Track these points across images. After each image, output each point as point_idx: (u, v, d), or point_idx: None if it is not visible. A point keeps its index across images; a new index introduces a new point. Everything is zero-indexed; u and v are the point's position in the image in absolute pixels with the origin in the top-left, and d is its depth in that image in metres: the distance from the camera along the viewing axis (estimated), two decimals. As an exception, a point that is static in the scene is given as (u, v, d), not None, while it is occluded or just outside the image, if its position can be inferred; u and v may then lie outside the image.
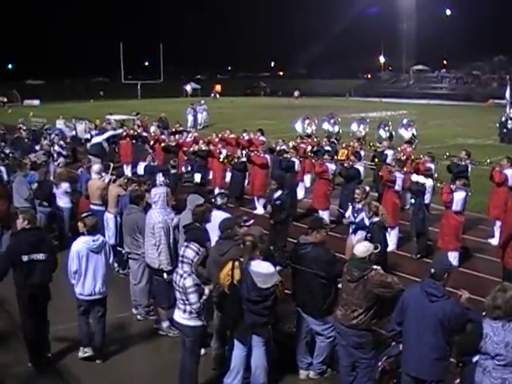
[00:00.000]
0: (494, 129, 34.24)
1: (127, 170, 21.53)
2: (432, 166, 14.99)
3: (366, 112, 46.64)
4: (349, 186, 14.44)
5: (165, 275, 9.00)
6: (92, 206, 12.72)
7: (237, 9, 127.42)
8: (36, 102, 66.77)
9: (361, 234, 10.55)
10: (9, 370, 8.50)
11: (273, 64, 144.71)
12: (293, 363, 8.34)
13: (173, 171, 16.01)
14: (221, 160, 18.28)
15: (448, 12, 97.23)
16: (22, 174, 14.21)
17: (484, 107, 58.83)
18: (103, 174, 13.58)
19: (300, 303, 8.19)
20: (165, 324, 9.49)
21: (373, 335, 7.42)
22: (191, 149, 19.33)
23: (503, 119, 33.18)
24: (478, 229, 15.08)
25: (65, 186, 13.88)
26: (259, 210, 16.53)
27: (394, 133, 21.62)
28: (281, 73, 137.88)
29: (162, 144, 20.74)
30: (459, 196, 12.20)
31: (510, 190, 13.98)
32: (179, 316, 7.46)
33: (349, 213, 11.50)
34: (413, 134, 21.21)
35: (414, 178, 13.51)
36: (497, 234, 13.68)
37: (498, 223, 13.67)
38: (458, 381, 6.38)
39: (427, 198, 13.48)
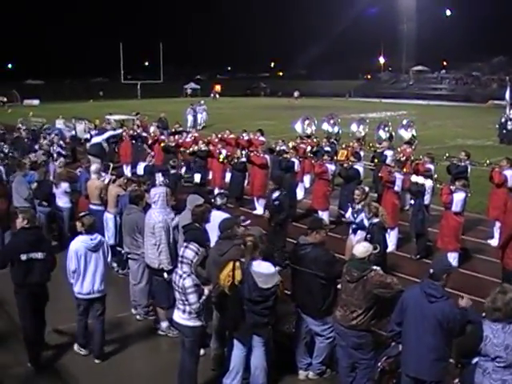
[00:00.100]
0: (493, 130, 34.23)
1: (127, 170, 21.53)
2: (431, 166, 14.98)
3: (366, 113, 46.64)
4: (348, 187, 14.44)
5: (165, 275, 8.99)
6: (91, 206, 12.72)
7: (237, 9, 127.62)
8: (36, 102, 66.83)
9: (360, 234, 10.54)
10: (8, 370, 8.50)
11: (273, 64, 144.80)
12: (292, 364, 8.33)
13: (172, 171, 16.00)
14: (220, 160, 18.28)
15: (448, 13, 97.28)
16: (21, 173, 14.21)
17: (484, 108, 58.84)
18: (103, 174, 13.59)
19: (299, 304, 8.19)
20: (164, 324, 9.49)
21: (372, 336, 7.43)
22: (191, 149, 19.34)
23: (503, 120, 33.17)
24: (477, 230, 15.07)
25: (64, 185, 13.88)
26: (259, 211, 16.51)
27: (393, 133, 21.62)
28: (281, 73, 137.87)
29: (162, 144, 20.75)
30: (459, 197, 12.20)
31: (509, 190, 13.97)
32: (178, 316, 7.46)
33: (349, 214, 11.49)
34: (412, 135, 21.21)
35: (414, 178, 13.52)
36: (496, 234, 13.68)
37: (498, 224, 13.67)
38: (456, 380, 6.37)
39: (427, 199, 13.49)
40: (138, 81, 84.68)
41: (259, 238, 7.39)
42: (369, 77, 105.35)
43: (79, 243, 8.56)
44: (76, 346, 8.97)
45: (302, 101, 70.44)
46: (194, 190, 14.18)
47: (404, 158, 16.16)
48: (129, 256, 10.18)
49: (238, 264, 7.21)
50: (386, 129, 21.70)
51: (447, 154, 16.12)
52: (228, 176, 18.84)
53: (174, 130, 25.24)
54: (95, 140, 21.43)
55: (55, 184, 14.05)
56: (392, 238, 13.30)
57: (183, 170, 17.07)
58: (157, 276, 9.39)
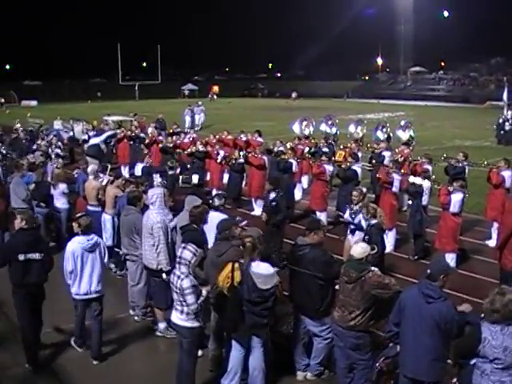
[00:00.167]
0: (491, 130, 34.26)
1: (125, 171, 21.57)
2: (429, 167, 14.98)
3: (364, 113, 46.66)
4: (346, 188, 14.45)
5: (163, 275, 8.99)
6: (89, 207, 12.72)
7: (235, 10, 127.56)
8: (34, 103, 66.82)
9: (359, 235, 10.55)
10: (6, 371, 8.50)
11: (270, 65, 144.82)
12: (290, 364, 8.33)
13: (170, 172, 16.00)
14: (218, 161, 18.28)
15: (445, 14, 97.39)
16: (19, 174, 14.20)
17: (481, 109, 58.88)
18: (101, 175, 13.58)
19: (297, 304, 8.20)
20: (162, 325, 9.48)
21: (370, 336, 7.43)
22: (189, 150, 19.33)
23: (500, 121, 33.21)
24: (475, 230, 15.07)
25: (62, 186, 13.87)
26: (257, 212, 16.51)
27: (391, 134, 21.64)
28: (278, 74, 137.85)
29: (160, 145, 20.76)
30: (457, 198, 12.20)
31: (507, 191, 13.99)
32: (176, 317, 7.46)
33: (347, 215, 11.50)
34: (410, 136, 21.23)
35: (412, 179, 13.53)
36: (494, 235, 13.69)
37: (496, 225, 13.70)
38: (454, 380, 6.37)
39: (425, 200, 13.48)
40: (136, 82, 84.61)
41: (258, 239, 7.40)
42: (367, 78, 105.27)
43: (76, 244, 8.60)
44: (73, 343, 9.08)
45: (300, 102, 70.49)
46: (191, 190, 14.22)
47: (402, 158, 16.16)
48: (127, 257, 10.17)
49: (236, 265, 7.21)
50: (384, 130, 21.70)
51: (445, 155, 16.10)
52: (226, 177, 18.85)
53: (171, 131, 25.24)
54: (93, 141, 21.43)
55: (53, 185, 14.04)
56: (390, 238, 13.31)
57: (178, 170, 17.02)
58: (155, 277, 9.39)
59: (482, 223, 15.23)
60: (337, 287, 7.69)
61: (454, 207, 12.20)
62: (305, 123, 22.83)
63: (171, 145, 20.58)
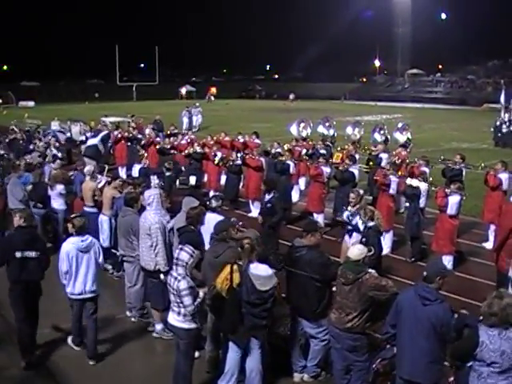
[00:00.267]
0: (488, 133, 34.29)
1: (122, 172, 21.57)
2: (427, 169, 14.99)
3: (361, 115, 46.76)
4: (343, 189, 14.47)
5: (161, 276, 8.98)
6: (85, 208, 12.72)
7: (233, 12, 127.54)
8: (31, 104, 66.75)
9: (356, 237, 10.55)
10: (3, 372, 8.50)
11: (268, 67, 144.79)
12: (287, 366, 8.34)
13: (167, 173, 15.99)
14: (216, 163, 18.28)
15: (443, 16, 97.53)
16: (16, 175, 14.19)
17: (479, 111, 58.97)
18: (99, 176, 13.57)
19: (294, 306, 8.20)
20: (159, 326, 9.48)
21: (367, 338, 7.43)
22: (186, 151, 19.34)
23: (498, 123, 33.29)
24: (472, 233, 15.09)
25: (59, 187, 13.86)
26: (254, 213, 16.51)
27: (389, 136, 21.64)
28: (276, 76, 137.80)
29: (157, 146, 20.76)
30: (454, 200, 12.21)
31: (504, 193, 14.01)
32: (173, 318, 7.45)
33: (344, 216, 11.49)
34: (408, 138, 21.20)
35: (409, 181, 13.53)
36: (491, 237, 13.69)
37: (493, 227, 13.70)
38: (451, 379, 6.36)
39: (422, 202, 13.50)
40: (134, 83, 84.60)
41: (256, 241, 7.41)
42: (364, 80, 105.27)
43: (70, 245, 8.69)
44: (70, 342, 9.15)
45: (298, 103, 70.47)
46: (189, 192, 14.21)
47: (399, 160, 16.17)
48: (124, 258, 10.17)
49: (235, 267, 7.22)
50: (382, 132, 21.68)
51: (442, 157, 16.14)
52: (223, 178, 18.85)
53: (169, 132, 25.25)
54: (91, 142, 21.42)
55: (50, 186, 14.03)
56: (387, 240, 13.31)
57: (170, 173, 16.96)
58: (152, 278, 9.39)
59: (479, 225, 15.25)
60: (334, 289, 7.69)
61: (451, 209, 12.21)
62: (302, 125, 22.78)
63: (168, 146, 20.59)
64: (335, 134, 23.52)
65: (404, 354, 6.49)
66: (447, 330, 6.22)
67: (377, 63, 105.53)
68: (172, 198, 11.97)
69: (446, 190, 12.42)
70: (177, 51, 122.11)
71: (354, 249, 7.50)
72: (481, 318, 5.82)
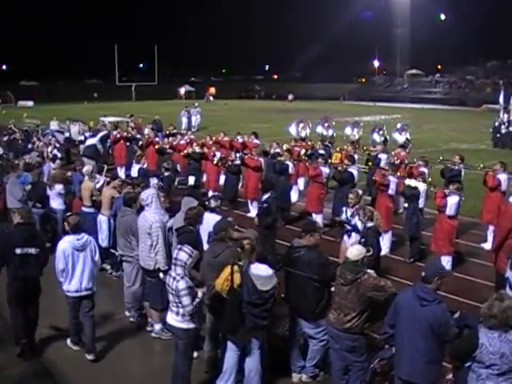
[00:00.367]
0: (487, 133, 34.29)
1: (121, 172, 21.56)
2: (425, 170, 14.99)
3: (360, 116, 46.76)
4: (342, 190, 14.47)
5: (161, 275, 8.96)
6: (83, 208, 12.73)
7: (232, 12, 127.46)
8: (30, 104, 66.74)
9: (355, 237, 10.56)
10: (2, 372, 8.50)
11: (267, 67, 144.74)
12: (286, 366, 8.34)
13: (166, 174, 15.99)
14: (215, 163, 18.27)
15: (442, 17, 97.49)
16: (15, 175, 14.19)
17: (478, 112, 58.95)
18: (97, 176, 13.57)
19: (293, 306, 8.20)
20: (158, 326, 9.48)
21: (366, 339, 7.44)
22: (185, 151, 19.33)
23: (497, 124, 33.28)
24: (471, 233, 15.10)
25: (58, 187, 13.86)
26: (252, 213, 16.51)
27: (388, 137, 21.64)
28: (275, 76, 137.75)
29: (156, 146, 20.76)
30: (453, 200, 12.22)
31: (503, 194, 14.02)
32: (172, 318, 7.45)
33: (343, 216, 11.50)
34: (407, 138, 21.21)
35: (408, 182, 13.54)
36: (490, 238, 13.70)
37: (491, 228, 13.71)
38: (450, 376, 6.35)
39: (421, 203, 13.50)
40: (133, 83, 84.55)
41: (255, 241, 7.42)
42: (363, 80, 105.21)
43: (66, 243, 8.77)
44: (69, 342, 9.18)
45: (297, 104, 70.44)
46: (188, 192, 14.20)
47: (398, 161, 16.18)
48: (123, 258, 10.18)
49: (236, 268, 7.22)
50: (381, 132, 21.67)
51: (441, 158, 16.15)
52: (222, 178, 18.85)
53: (168, 132, 25.25)
54: (90, 142, 21.42)
55: (49, 186, 14.03)
56: (386, 241, 13.32)
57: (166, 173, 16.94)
58: (151, 278, 9.39)
59: (478, 226, 15.26)
60: (332, 289, 7.70)
61: (450, 210, 12.22)
62: (301, 125, 22.77)
63: (167, 146, 20.58)
64: (334, 135, 23.50)
65: (402, 355, 6.49)
66: (445, 330, 6.22)
67: (376, 64, 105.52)
68: (171, 198, 11.98)
69: (445, 191, 12.43)
70: (176, 51, 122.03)
71: (353, 249, 7.50)
72: (481, 319, 5.82)
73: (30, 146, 21.44)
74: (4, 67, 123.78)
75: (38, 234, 9.42)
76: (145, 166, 16.74)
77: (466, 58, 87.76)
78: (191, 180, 17.74)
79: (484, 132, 35.81)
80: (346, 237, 11.27)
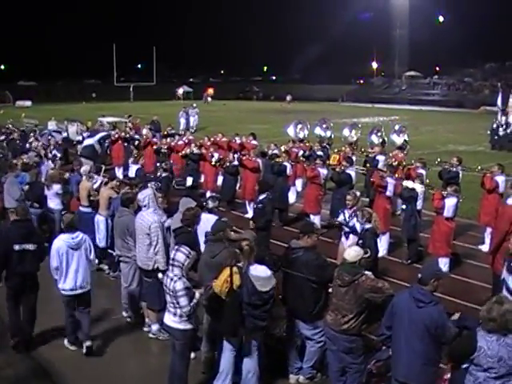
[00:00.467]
0: (485, 135, 34.33)
1: (119, 173, 21.54)
2: (423, 171, 15.01)
3: (358, 117, 46.78)
4: (340, 191, 14.46)
5: (159, 275, 8.97)
6: (81, 208, 12.72)
7: (231, 13, 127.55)
8: (28, 103, 66.59)
9: (353, 238, 10.57)
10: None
11: (266, 68, 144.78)
12: (283, 367, 8.34)
13: (164, 174, 15.98)
14: (213, 163, 18.26)
15: (441, 19, 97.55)
16: (13, 174, 14.17)
17: (476, 114, 58.98)
18: (95, 176, 13.55)
19: (291, 307, 8.20)
20: (155, 327, 9.48)
21: (363, 340, 7.43)
22: (183, 152, 19.33)
23: (494, 126, 33.30)
24: (468, 235, 15.11)
25: (56, 187, 13.83)
26: (250, 214, 16.49)
27: (386, 138, 21.66)
28: (273, 77, 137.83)
29: (154, 147, 20.76)
30: (450, 202, 12.23)
31: (500, 196, 14.02)
32: (169, 319, 7.45)
33: (341, 218, 11.50)
34: (404, 140, 21.23)
35: (406, 183, 13.55)
36: (487, 240, 13.72)
37: (489, 229, 13.73)
38: (449, 375, 6.34)
39: (419, 204, 13.53)
40: (131, 83, 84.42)
41: (254, 242, 7.43)
42: (361, 82, 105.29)
43: (60, 241, 8.84)
44: (66, 342, 9.20)
45: (295, 105, 70.40)
46: (186, 193, 14.21)
47: (396, 163, 16.21)
48: (120, 259, 10.17)
49: (235, 269, 7.22)
50: (379, 134, 21.68)
51: (439, 160, 16.16)
52: (220, 179, 18.85)
53: (166, 133, 25.25)
54: (87, 142, 21.39)
55: (47, 186, 14.01)
56: (383, 242, 13.33)
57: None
58: (148, 278, 9.39)
59: (476, 228, 15.27)
60: (330, 290, 7.70)
61: (448, 212, 12.23)
62: (299, 126, 22.78)
63: (165, 147, 20.58)
64: (332, 136, 23.51)
65: (399, 356, 6.49)
66: (442, 331, 6.22)
67: (374, 65, 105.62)
68: (169, 199, 11.98)
69: (443, 193, 12.43)
70: (174, 52, 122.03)
71: (351, 251, 7.50)
72: (480, 321, 5.81)
73: (27, 145, 21.38)
74: (2, 67, 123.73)
75: (35, 230, 9.55)
76: (140, 165, 16.68)
77: (465, 59, 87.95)
78: (189, 181, 17.76)
79: (482, 134, 35.84)
80: (343, 238, 11.27)
